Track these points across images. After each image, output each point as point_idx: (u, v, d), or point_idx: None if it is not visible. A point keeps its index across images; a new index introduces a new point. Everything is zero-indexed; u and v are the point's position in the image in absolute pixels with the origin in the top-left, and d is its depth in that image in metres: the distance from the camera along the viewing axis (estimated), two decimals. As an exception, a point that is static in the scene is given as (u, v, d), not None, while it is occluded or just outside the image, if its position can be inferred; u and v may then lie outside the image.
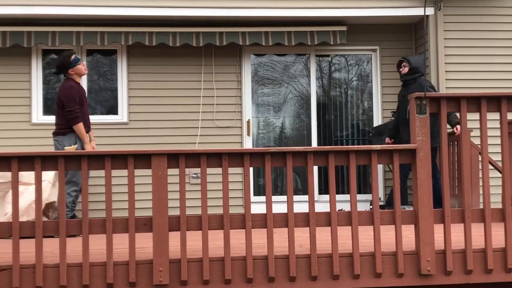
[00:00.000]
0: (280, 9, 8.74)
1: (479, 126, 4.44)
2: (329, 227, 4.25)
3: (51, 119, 7.89)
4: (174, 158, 4.20)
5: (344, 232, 4.42)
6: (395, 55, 9.25)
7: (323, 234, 4.49)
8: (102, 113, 9.14)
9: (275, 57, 9.56)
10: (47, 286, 4.04)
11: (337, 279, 4.23)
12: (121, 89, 9.07)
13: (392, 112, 8.80)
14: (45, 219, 6.77)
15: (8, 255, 4.10)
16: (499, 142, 4.49)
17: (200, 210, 4.19)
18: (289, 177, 4.26)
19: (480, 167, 7.38)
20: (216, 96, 9.12)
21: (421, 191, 4.29)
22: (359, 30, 9.30)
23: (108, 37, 8.65)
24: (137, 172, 4.21)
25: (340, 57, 9.72)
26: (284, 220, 4.24)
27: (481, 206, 4.45)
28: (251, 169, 4.60)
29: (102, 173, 4.21)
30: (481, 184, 4.64)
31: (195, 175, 8.65)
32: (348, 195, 4.34)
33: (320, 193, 9.16)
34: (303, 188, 9.43)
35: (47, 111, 8.90)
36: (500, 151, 4.50)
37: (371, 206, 4.46)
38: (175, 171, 4.23)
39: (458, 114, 4.51)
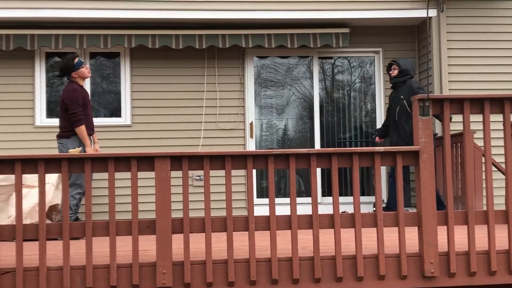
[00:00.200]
0: (282, 12, 8.74)
1: (482, 128, 4.44)
2: (333, 229, 4.25)
3: (55, 121, 7.90)
4: (177, 161, 4.21)
5: (348, 234, 4.42)
6: (398, 57, 9.26)
7: (326, 236, 4.49)
8: (105, 116, 9.15)
9: (278, 59, 9.56)
10: (51, 289, 4.05)
11: (341, 281, 4.22)
12: (124, 92, 9.08)
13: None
14: (48, 221, 6.79)
15: (12, 258, 4.11)
16: (503, 144, 4.49)
17: (204, 212, 4.19)
18: (292, 179, 4.26)
19: (483, 169, 7.36)
20: (219, 99, 9.12)
21: (424, 193, 4.29)
22: (362, 32, 9.30)
23: (111, 40, 8.66)
24: (140, 174, 4.21)
25: (343, 59, 9.71)
26: (287, 222, 4.24)
27: (485, 208, 4.44)
28: (254, 171, 4.60)
29: (105, 175, 4.21)
30: (484, 186, 4.63)
31: (198, 177, 8.65)
32: (352, 197, 4.34)
33: (324, 195, 9.16)
34: (306, 190, 9.43)
35: (50, 113, 8.92)
36: (503, 152, 4.49)
37: (374, 208, 4.46)
38: (178, 173, 4.23)
39: (461, 116, 4.50)
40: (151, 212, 4.35)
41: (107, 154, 4.22)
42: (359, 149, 4.36)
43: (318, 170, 9.00)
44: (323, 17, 8.82)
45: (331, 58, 9.67)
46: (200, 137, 9.02)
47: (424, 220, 4.27)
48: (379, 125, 9.42)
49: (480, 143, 6.07)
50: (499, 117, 4.53)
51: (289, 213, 4.24)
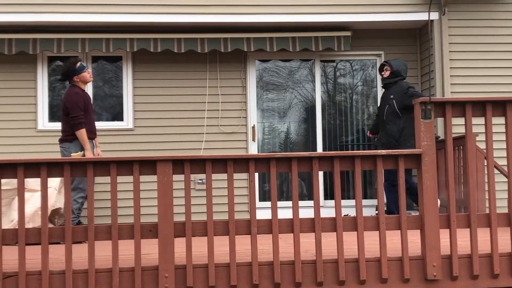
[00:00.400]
0: (284, 15, 8.75)
1: (484, 131, 4.43)
2: (335, 233, 4.25)
3: (57, 125, 7.91)
4: (179, 164, 4.21)
5: (350, 238, 4.42)
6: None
7: (328, 240, 4.49)
8: (107, 120, 9.15)
9: (279, 62, 9.57)
10: (53, 293, 4.05)
11: (343, 284, 4.22)
12: (126, 96, 9.09)
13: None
14: (51, 225, 6.79)
15: (14, 262, 4.11)
16: (505, 147, 4.48)
17: (206, 216, 4.20)
18: (295, 182, 4.27)
19: (485, 172, 7.36)
20: (221, 102, 9.13)
21: (426, 196, 4.29)
22: (364, 35, 9.30)
23: (113, 44, 8.68)
24: (143, 178, 4.22)
25: (345, 63, 9.72)
26: (290, 226, 4.24)
27: (487, 211, 4.44)
28: (256, 174, 4.60)
29: (107, 179, 4.22)
30: (486, 188, 4.63)
31: (201, 181, 8.65)
32: (354, 200, 4.33)
33: (326, 198, 9.15)
34: (308, 193, 9.42)
35: (52, 117, 8.93)
36: (505, 155, 4.49)
37: (377, 211, 4.45)
38: (181, 177, 4.24)
39: (463, 119, 4.50)
40: (153, 215, 4.35)
41: (109, 158, 4.22)
42: (361, 152, 4.36)
43: (320, 173, 9.00)
44: (324, 21, 8.82)
45: (333, 61, 9.67)
46: (202, 141, 9.02)
47: (427, 223, 4.27)
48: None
49: (482, 146, 6.07)
50: (502, 120, 4.53)
51: (291, 217, 4.24)
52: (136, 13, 8.56)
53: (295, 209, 4.24)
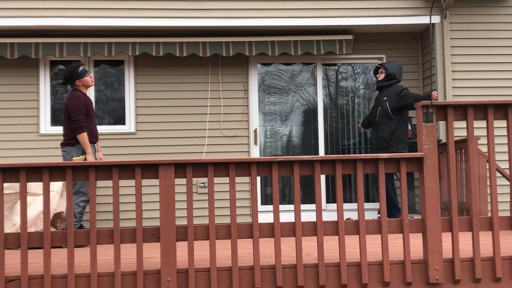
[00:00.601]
0: (286, 19, 8.76)
1: (486, 134, 4.43)
2: (337, 236, 4.25)
3: (59, 129, 7.92)
4: (181, 168, 4.21)
5: (352, 241, 4.42)
6: (401, 63, 9.27)
7: (331, 243, 4.48)
8: (109, 123, 9.17)
9: (281, 66, 9.58)
10: (56, 297, 4.05)
11: (345, 288, 4.22)
12: (128, 99, 9.10)
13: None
14: (53, 229, 6.79)
15: (17, 266, 4.12)
16: (507, 150, 4.48)
17: (208, 220, 4.20)
18: (296, 186, 4.26)
19: (487, 175, 7.36)
20: (223, 106, 9.14)
21: (428, 200, 4.29)
22: (366, 38, 9.31)
23: (116, 48, 8.69)
24: (145, 181, 4.22)
25: (346, 66, 9.72)
26: (292, 229, 4.24)
27: (489, 214, 4.43)
28: (258, 178, 4.60)
29: (109, 183, 4.22)
30: (489, 192, 4.63)
31: (203, 185, 8.66)
32: (356, 204, 4.33)
33: (328, 201, 9.15)
34: (310, 196, 9.42)
35: (55, 121, 8.94)
36: (507, 158, 4.49)
37: (379, 215, 4.45)
38: (183, 180, 4.24)
39: (465, 122, 4.50)
40: (155, 219, 4.35)
41: (111, 162, 4.23)
42: (363, 156, 4.36)
43: (323, 177, 9.00)
44: (326, 24, 8.83)
45: (335, 64, 9.68)
46: (204, 144, 9.03)
47: (429, 227, 4.26)
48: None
49: (484, 149, 6.07)
50: (503, 123, 4.52)
51: (293, 220, 4.24)
52: (138, 17, 8.58)
53: (297, 212, 4.24)
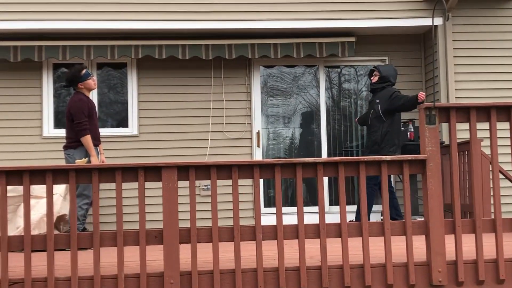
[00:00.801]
0: (288, 21, 8.77)
1: (489, 136, 4.43)
2: (340, 238, 4.25)
3: (62, 132, 7.93)
4: (184, 171, 4.22)
5: (355, 243, 4.42)
6: (404, 65, 9.29)
7: (333, 245, 4.48)
8: (112, 126, 9.18)
9: (284, 68, 9.58)
10: (59, 299, 4.06)
11: (348, 290, 4.22)
12: (131, 102, 9.11)
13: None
14: (56, 232, 6.81)
15: (20, 269, 4.12)
16: (510, 152, 4.48)
17: (211, 222, 4.20)
18: (299, 188, 4.27)
19: (491, 177, 7.35)
20: (225, 108, 9.14)
21: (431, 202, 4.29)
22: (368, 40, 9.31)
23: (118, 51, 8.71)
24: (148, 184, 4.23)
25: (349, 68, 9.72)
26: (295, 232, 4.24)
27: (493, 216, 4.43)
28: (261, 180, 4.60)
29: (112, 185, 4.23)
30: (492, 194, 4.62)
31: (206, 187, 8.66)
32: (359, 206, 4.33)
33: (331, 204, 9.15)
34: (313, 199, 9.42)
35: (58, 124, 8.95)
36: (510, 160, 4.48)
37: (382, 217, 4.45)
38: (186, 183, 4.24)
39: (468, 124, 4.49)
40: (158, 222, 4.35)
41: (114, 165, 4.23)
42: (365, 158, 4.36)
43: (325, 179, 9.00)
44: (329, 26, 8.84)
45: (337, 67, 9.68)
46: (207, 147, 9.04)
47: (432, 229, 4.26)
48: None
49: (487, 151, 6.07)
50: (506, 125, 4.52)
51: (296, 222, 4.24)
52: (140, 20, 8.59)
53: (300, 215, 4.24)
